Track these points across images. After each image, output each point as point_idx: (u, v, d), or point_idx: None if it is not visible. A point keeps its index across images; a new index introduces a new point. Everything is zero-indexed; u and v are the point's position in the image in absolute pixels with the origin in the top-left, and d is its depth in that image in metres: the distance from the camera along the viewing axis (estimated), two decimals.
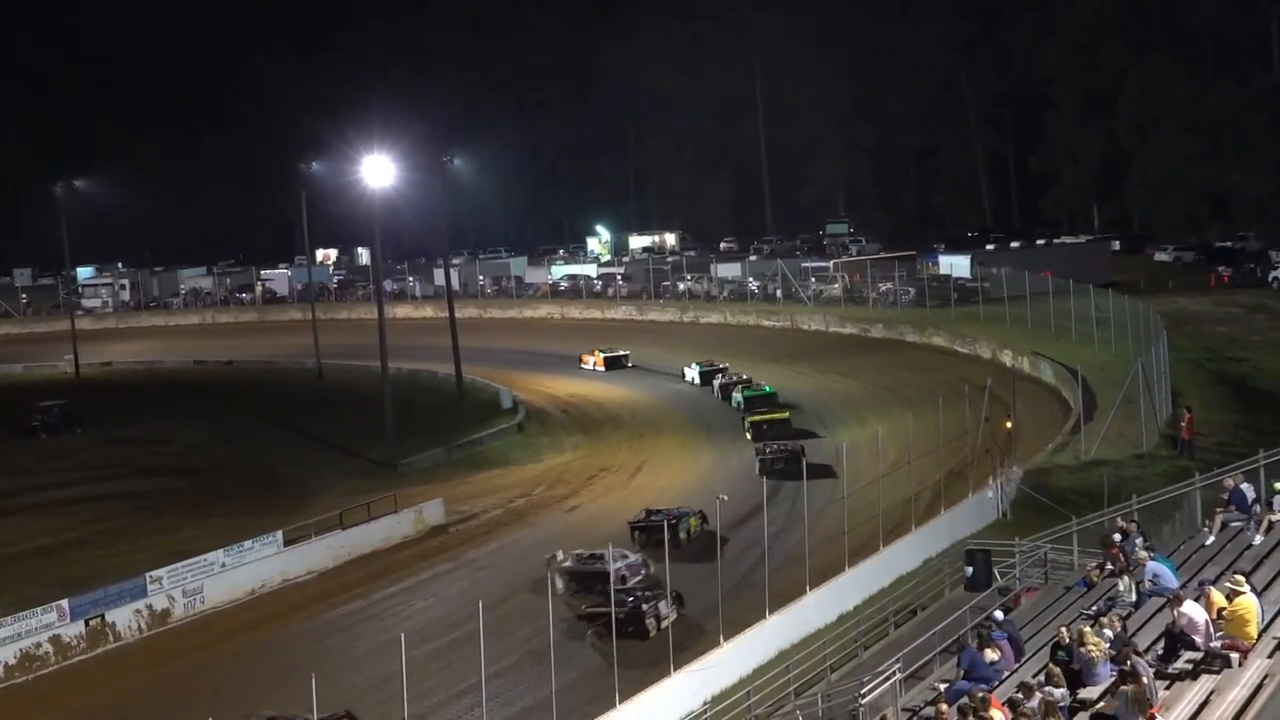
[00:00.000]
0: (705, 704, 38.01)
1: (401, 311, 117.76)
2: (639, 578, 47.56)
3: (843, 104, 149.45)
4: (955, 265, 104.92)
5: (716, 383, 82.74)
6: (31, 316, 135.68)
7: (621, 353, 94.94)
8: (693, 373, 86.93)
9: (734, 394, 78.80)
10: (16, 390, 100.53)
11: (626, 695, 36.38)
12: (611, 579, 43.86)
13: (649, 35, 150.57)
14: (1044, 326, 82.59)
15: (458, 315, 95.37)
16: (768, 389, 77.80)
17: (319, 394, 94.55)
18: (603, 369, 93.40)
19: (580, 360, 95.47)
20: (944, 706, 26.52)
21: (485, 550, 57.56)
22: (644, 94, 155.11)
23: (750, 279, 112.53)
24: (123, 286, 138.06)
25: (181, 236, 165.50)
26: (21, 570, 57.74)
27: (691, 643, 41.72)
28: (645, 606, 43.90)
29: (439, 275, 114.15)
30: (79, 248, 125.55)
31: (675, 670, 38.26)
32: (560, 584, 47.27)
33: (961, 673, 29.49)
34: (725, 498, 46.46)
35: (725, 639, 40.19)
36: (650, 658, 39.97)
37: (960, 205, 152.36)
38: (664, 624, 43.48)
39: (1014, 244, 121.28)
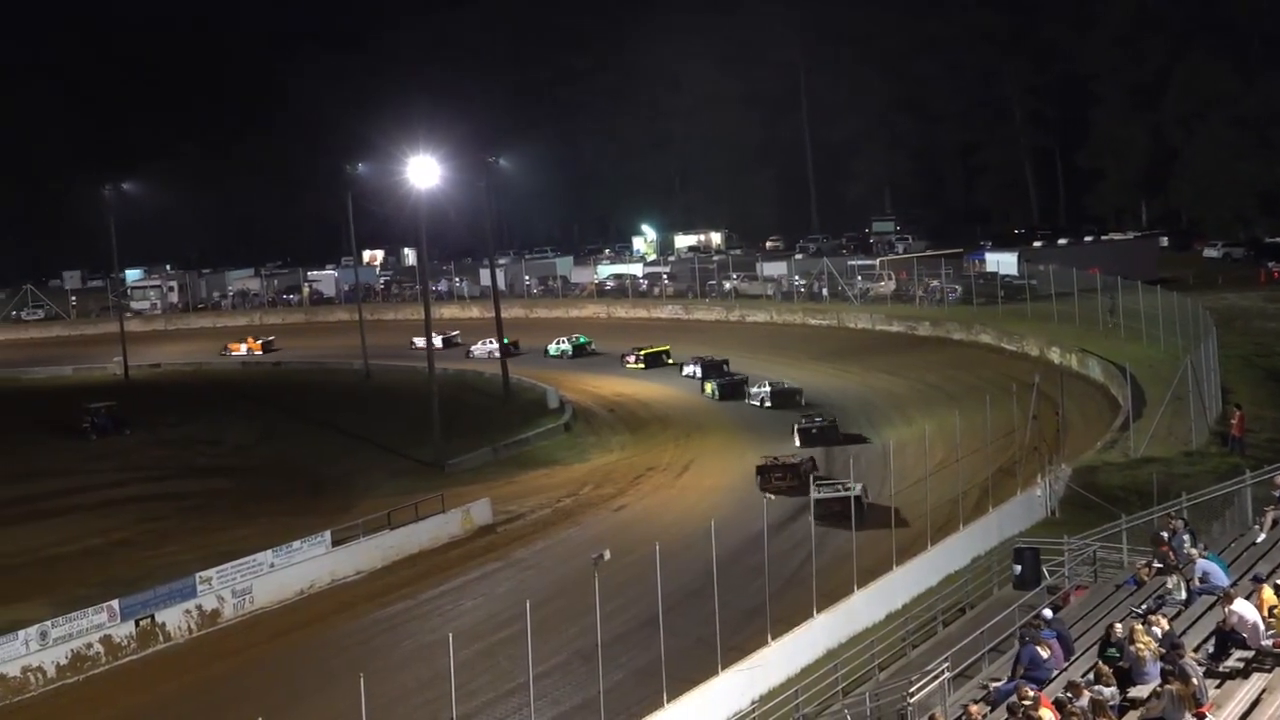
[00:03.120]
0: (753, 703, 37.97)
1: (448, 312, 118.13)
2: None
3: (884, 100, 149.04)
4: (1002, 262, 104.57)
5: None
6: (81, 318, 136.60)
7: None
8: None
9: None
10: (66, 392, 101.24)
11: (674, 695, 36.38)
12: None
13: (689, 33, 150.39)
14: (1091, 323, 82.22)
15: (504, 315, 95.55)
16: (582, 339, 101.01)
17: (366, 394, 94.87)
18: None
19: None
20: (973, 708, 26.46)
21: (532, 550, 57.67)
22: (685, 92, 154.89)
23: (796, 277, 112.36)
24: (171, 288, 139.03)
25: (228, 238, 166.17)
26: (71, 571, 58.24)
27: None
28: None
29: (485, 275, 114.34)
30: (127, 250, 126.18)
31: (723, 670, 38.23)
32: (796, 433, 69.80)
33: (1022, 670, 29.26)
34: (773, 497, 46.35)
35: (773, 638, 40.13)
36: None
37: (1006, 202, 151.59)
38: None
39: (1061, 241, 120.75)
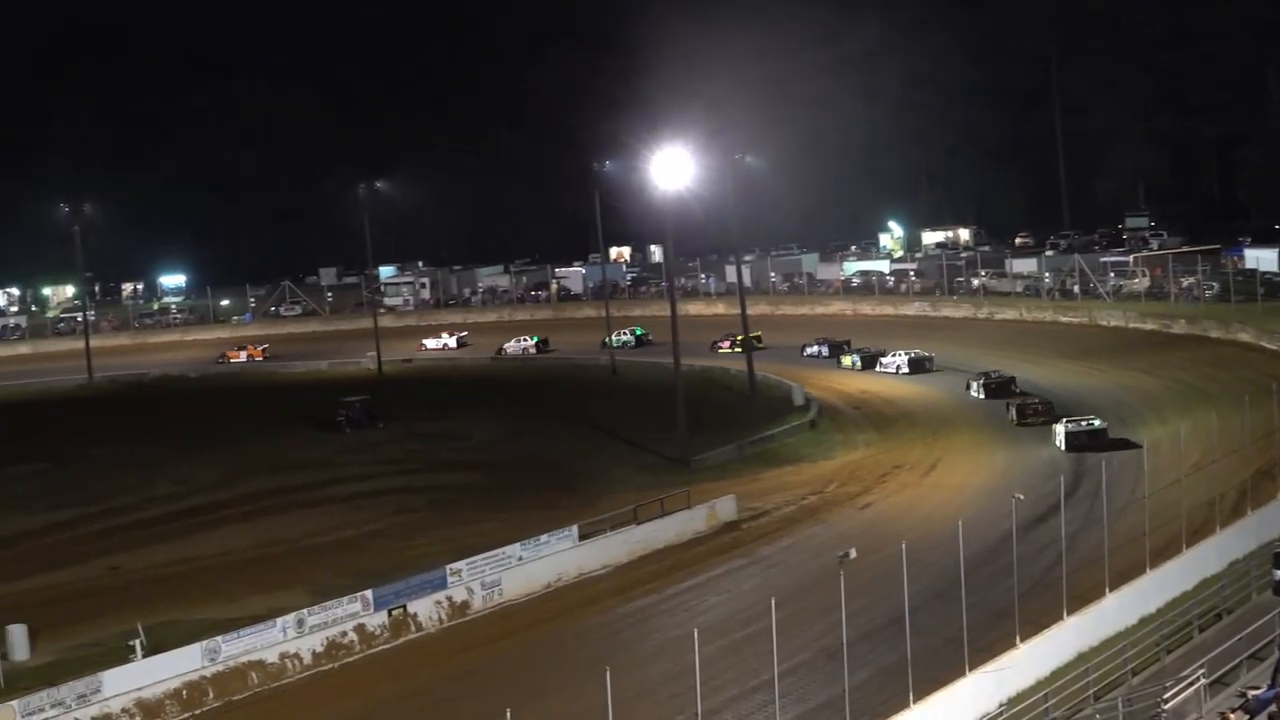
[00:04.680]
0: (1001, 705, 37.47)
1: (694, 308, 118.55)
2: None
3: (1140, 93, 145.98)
4: (1262, 259, 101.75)
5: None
6: (336, 314, 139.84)
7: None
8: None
9: None
10: (322, 385, 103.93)
11: (920, 695, 36.06)
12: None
13: (938, 28, 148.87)
14: None
15: (749, 312, 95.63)
16: (639, 330, 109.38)
17: (613, 390, 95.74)
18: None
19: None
20: (1231, 716, 25.81)
21: (778, 547, 57.64)
22: (934, 86, 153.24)
23: (1046, 274, 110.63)
24: (423, 285, 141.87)
25: (478, 236, 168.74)
26: (325, 560, 59.72)
27: None
28: None
29: (730, 272, 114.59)
30: (381, 247, 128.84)
31: (970, 671, 37.78)
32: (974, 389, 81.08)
33: None
34: (1021, 497, 45.54)
35: (1022, 640, 39.55)
36: None
37: (1267, 197, 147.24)
38: None
39: None
